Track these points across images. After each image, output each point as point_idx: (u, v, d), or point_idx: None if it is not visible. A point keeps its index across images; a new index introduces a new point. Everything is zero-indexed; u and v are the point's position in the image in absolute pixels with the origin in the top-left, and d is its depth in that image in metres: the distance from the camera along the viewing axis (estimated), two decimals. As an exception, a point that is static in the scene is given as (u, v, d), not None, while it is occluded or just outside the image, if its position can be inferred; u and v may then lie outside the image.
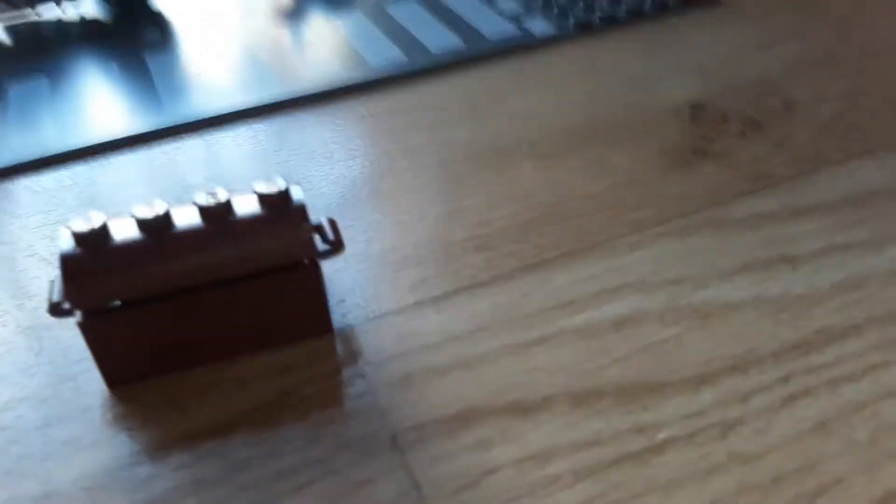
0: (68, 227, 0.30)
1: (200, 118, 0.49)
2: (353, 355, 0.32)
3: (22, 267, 0.38)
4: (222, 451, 0.29)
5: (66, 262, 0.29)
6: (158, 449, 0.29)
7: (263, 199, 0.31)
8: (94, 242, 0.29)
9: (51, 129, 0.49)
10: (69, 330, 0.35)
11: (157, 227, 0.30)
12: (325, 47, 0.57)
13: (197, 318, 0.31)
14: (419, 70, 0.54)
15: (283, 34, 0.59)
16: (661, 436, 0.29)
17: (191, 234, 0.30)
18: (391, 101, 0.51)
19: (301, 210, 0.31)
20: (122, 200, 0.43)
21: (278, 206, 0.31)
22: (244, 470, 0.28)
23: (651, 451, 0.28)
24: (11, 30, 0.63)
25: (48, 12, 0.64)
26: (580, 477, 0.27)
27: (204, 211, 0.30)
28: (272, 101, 0.51)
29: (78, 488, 0.28)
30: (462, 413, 0.30)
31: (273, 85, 0.52)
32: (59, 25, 0.63)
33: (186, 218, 0.31)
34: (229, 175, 0.44)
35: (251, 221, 0.30)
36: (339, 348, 0.33)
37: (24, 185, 0.44)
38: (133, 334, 0.31)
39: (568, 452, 0.28)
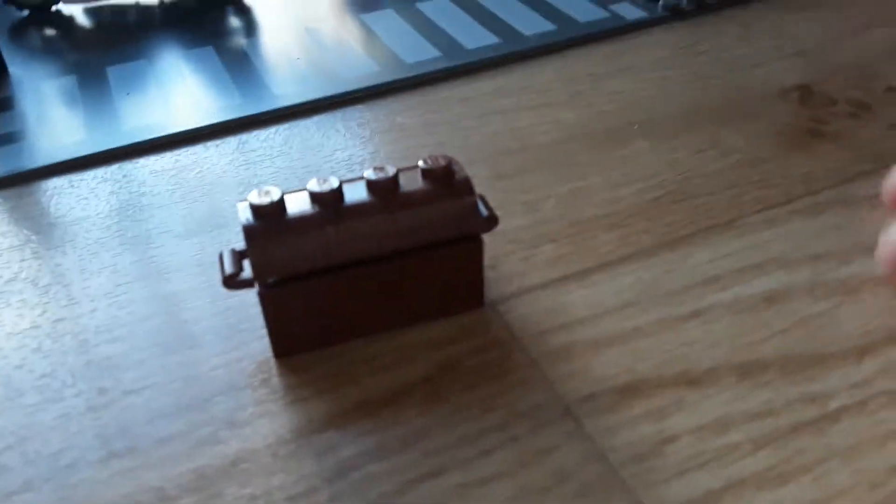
0: (247, 201, 0.30)
1: (308, 101, 0.50)
2: (508, 329, 0.33)
3: (159, 243, 0.39)
4: (398, 419, 0.29)
5: (250, 233, 0.29)
6: (336, 417, 0.30)
7: (427, 173, 0.31)
8: (273, 215, 0.30)
9: (157, 111, 0.50)
10: (224, 300, 0.35)
11: (330, 201, 0.30)
12: (413, 32, 0.57)
13: (364, 290, 0.32)
14: (517, 53, 0.54)
15: (372, 18, 0.59)
16: (833, 404, 0.29)
17: (363, 208, 0.30)
18: (493, 83, 0.51)
19: (467, 183, 0.31)
20: (243, 182, 0.43)
21: (443, 180, 0.31)
22: (425, 437, 0.29)
23: (826, 419, 0.28)
24: (93, 13, 0.63)
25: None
26: (759, 445, 0.28)
27: (372, 185, 0.31)
28: (371, 84, 0.51)
29: (268, 454, 0.28)
30: (630, 384, 0.30)
31: (368, 68, 0.53)
32: (140, 9, 0.64)
33: (356, 192, 0.31)
34: (344, 156, 0.45)
35: (420, 194, 0.31)
36: (493, 322, 0.33)
37: (143, 166, 0.45)
38: (304, 306, 0.31)
39: (743, 422, 0.29)
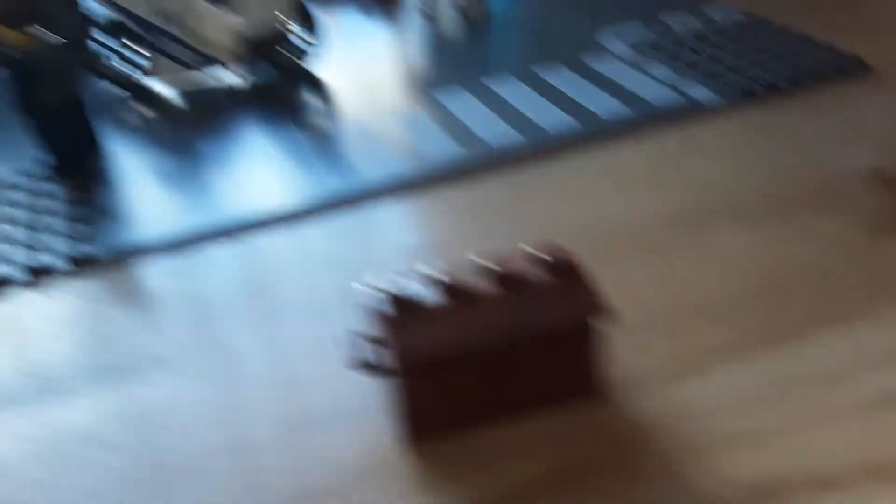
0: (377, 287, 0.32)
1: (401, 181, 0.51)
2: (630, 422, 0.34)
3: (278, 321, 0.40)
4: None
5: (391, 323, 0.31)
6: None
7: (548, 264, 0.33)
8: (409, 305, 0.31)
9: (253, 189, 0.51)
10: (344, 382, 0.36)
11: (461, 291, 0.32)
12: (489, 111, 0.59)
13: (489, 377, 0.33)
14: (595, 134, 0.56)
15: (448, 100, 0.62)
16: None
17: (490, 297, 0.32)
18: (569, 166, 0.53)
19: (586, 274, 0.33)
20: (344, 261, 0.44)
21: (562, 270, 0.33)
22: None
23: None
24: (186, 93, 0.66)
25: (217, 74, 0.67)
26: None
27: (497, 275, 0.32)
28: (458, 167, 0.53)
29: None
30: (765, 485, 0.31)
31: (449, 147, 0.55)
32: (230, 91, 0.66)
33: (482, 281, 0.33)
34: (442, 238, 0.46)
35: (542, 286, 0.32)
36: (612, 414, 0.34)
37: (247, 243, 0.46)
38: (436, 392, 0.32)
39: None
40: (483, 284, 0.32)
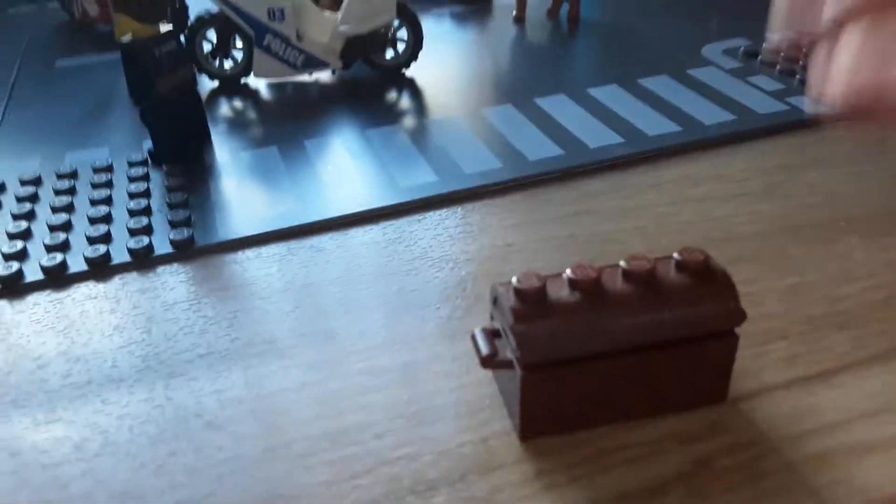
0: (510, 284, 0.31)
1: (503, 181, 0.51)
2: (756, 429, 0.32)
3: (380, 314, 0.40)
4: (661, 516, 0.29)
5: (518, 316, 0.30)
6: (597, 509, 0.29)
7: (684, 266, 0.32)
8: (536, 300, 0.31)
9: (357, 184, 0.52)
10: (458, 378, 0.36)
11: (590, 288, 0.31)
12: (590, 117, 0.59)
13: (615, 379, 0.32)
14: (701, 142, 0.55)
15: (546, 104, 0.61)
16: None
17: (624, 298, 0.31)
18: (680, 171, 0.52)
19: (728, 279, 0.31)
20: (449, 258, 0.44)
21: (702, 274, 0.31)
22: (695, 538, 0.28)
23: None
24: (278, 87, 0.67)
25: (317, 73, 0.68)
26: None
27: (631, 274, 0.31)
28: (560, 167, 0.52)
29: (539, 543, 0.28)
30: (900, 498, 0.29)
31: (553, 150, 0.54)
32: (320, 85, 0.68)
33: (613, 280, 0.32)
34: (543, 234, 0.45)
35: (680, 288, 0.31)
36: (739, 420, 0.33)
37: (352, 237, 0.47)
38: (558, 390, 0.31)
39: None
40: (618, 285, 0.31)
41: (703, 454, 0.31)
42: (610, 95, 0.62)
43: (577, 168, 0.53)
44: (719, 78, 0.63)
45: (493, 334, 0.33)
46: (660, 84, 0.63)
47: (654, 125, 0.57)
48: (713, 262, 0.32)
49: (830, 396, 0.34)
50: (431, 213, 0.49)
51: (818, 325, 0.38)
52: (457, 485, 0.31)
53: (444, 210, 0.49)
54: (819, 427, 0.32)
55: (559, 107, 0.61)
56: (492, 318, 0.34)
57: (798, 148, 0.54)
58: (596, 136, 0.56)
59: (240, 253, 0.46)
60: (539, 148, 0.55)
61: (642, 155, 0.54)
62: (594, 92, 0.62)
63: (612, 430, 0.32)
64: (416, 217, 0.49)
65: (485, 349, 0.32)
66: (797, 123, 0.56)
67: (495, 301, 0.33)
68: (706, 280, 0.31)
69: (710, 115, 0.58)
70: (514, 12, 0.80)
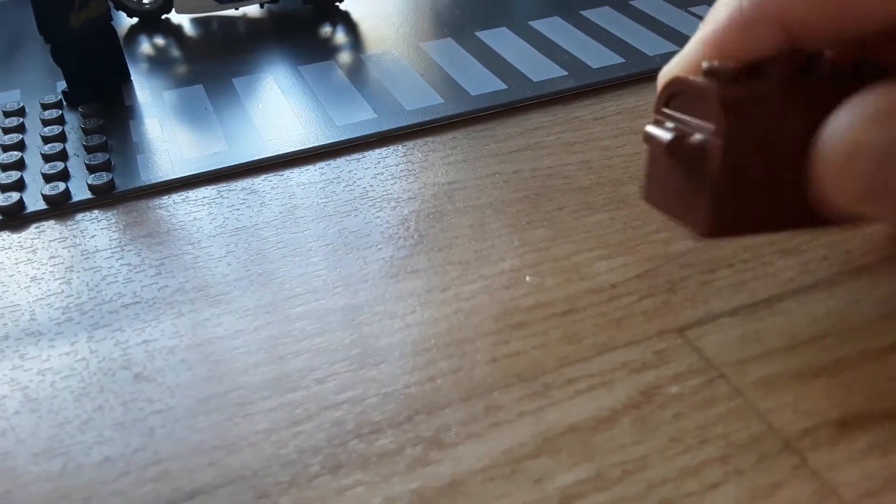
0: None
1: (443, 117, 0.49)
2: (703, 356, 0.32)
3: (320, 256, 0.39)
4: (614, 447, 0.28)
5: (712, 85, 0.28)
6: (547, 442, 0.29)
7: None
8: (736, 68, 0.28)
9: (291, 124, 0.49)
10: (402, 319, 0.34)
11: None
12: (534, 52, 0.57)
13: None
14: (640, 74, 0.53)
15: (486, 37, 0.59)
16: None
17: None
18: (624, 102, 0.50)
19: None
20: (390, 196, 0.43)
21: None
22: (646, 468, 0.28)
23: None
24: (202, 23, 0.63)
25: (243, 7, 0.65)
26: None
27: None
28: (503, 102, 0.50)
29: (484, 478, 0.27)
30: (846, 418, 0.29)
31: (494, 84, 0.52)
32: (248, 20, 0.64)
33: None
34: (489, 171, 0.44)
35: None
36: (685, 348, 0.32)
37: (288, 178, 0.45)
38: (769, 159, 0.28)
39: (976, 461, 0.28)
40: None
41: (652, 383, 0.31)
42: (552, 27, 0.60)
43: (519, 102, 0.51)
44: (661, 8, 0.62)
45: (681, 121, 0.29)
46: (602, 15, 0.61)
47: (598, 57, 0.55)
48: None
49: (775, 322, 0.33)
50: (371, 152, 0.47)
51: (761, 252, 0.37)
52: (403, 425, 0.30)
53: (385, 148, 0.47)
54: (764, 353, 0.32)
55: (501, 40, 0.59)
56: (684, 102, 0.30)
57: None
58: (539, 69, 0.54)
59: (165, 197, 0.43)
60: (481, 82, 0.53)
61: (586, 88, 0.52)
62: (536, 24, 0.60)
63: (559, 366, 0.32)
64: (356, 156, 0.47)
65: (667, 135, 0.29)
66: (739, 54, 0.56)
67: (668, 100, 0.30)
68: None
69: (653, 46, 0.57)
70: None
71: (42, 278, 0.37)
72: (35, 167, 0.45)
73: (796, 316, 0.34)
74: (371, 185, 0.44)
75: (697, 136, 0.29)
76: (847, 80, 0.28)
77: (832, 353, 0.32)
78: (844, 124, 0.26)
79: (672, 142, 0.29)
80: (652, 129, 0.30)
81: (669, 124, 0.30)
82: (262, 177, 0.45)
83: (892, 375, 0.31)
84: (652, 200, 0.32)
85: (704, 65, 0.29)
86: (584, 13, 0.62)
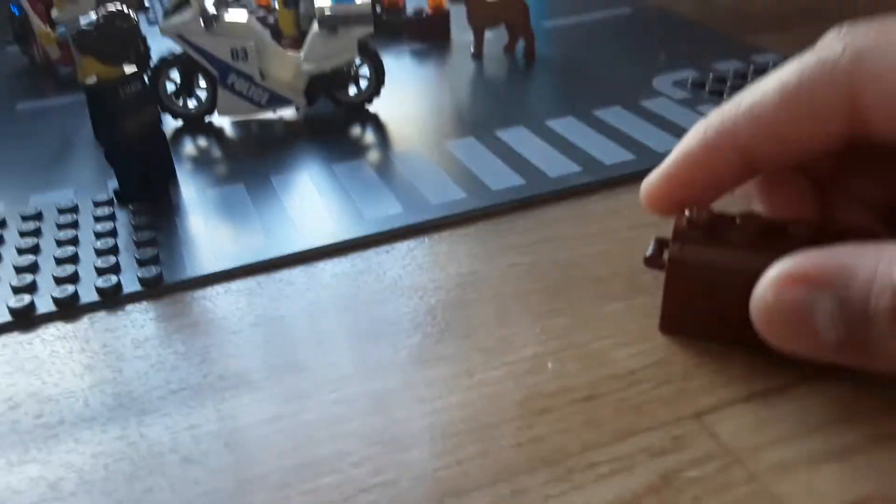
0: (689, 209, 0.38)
1: (467, 211, 0.52)
2: (719, 442, 0.34)
3: (348, 345, 0.41)
4: None
5: (681, 227, 0.37)
6: None
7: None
8: (714, 218, 0.37)
9: (326, 219, 0.53)
10: (430, 403, 0.36)
11: (771, 229, 0.36)
12: (551, 150, 0.61)
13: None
14: (651, 170, 0.56)
15: (506, 137, 0.63)
16: None
17: (799, 239, 0.35)
18: (637, 196, 0.53)
19: None
20: (418, 287, 0.45)
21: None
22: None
23: None
24: (242, 126, 0.68)
25: (280, 111, 0.70)
26: None
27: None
28: (522, 197, 0.54)
29: None
30: (857, 502, 0.30)
31: (514, 180, 0.56)
32: (285, 123, 0.69)
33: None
34: (524, 261, 0.47)
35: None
36: (702, 434, 0.34)
37: (322, 269, 0.48)
38: (700, 287, 0.37)
39: None
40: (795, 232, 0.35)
41: (671, 467, 0.32)
42: (567, 126, 0.64)
43: (537, 197, 0.54)
44: (670, 108, 0.66)
45: (662, 243, 0.40)
46: (614, 115, 0.65)
47: (611, 154, 0.59)
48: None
49: (788, 408, 0.35)
50: (399, 244, 0.50)
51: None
52: (433, 508, 0.31)
53: (411, 240, 0.50)
54: (779, 438, 0.34)
55: (519, 138, 0.63)
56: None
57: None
58: (555, 165, 0.58)
59: (209, 289, 0.46)
60: (501, 178, 0.56)
61: (600, 183, 0.56)
62: (552, 123, 0.65)
63: (583, 450, 0.34)
64: (384, 248, 0.50)
65: (648, 250, 0.40)
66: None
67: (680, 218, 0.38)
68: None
69: (663, 143, 0.60)
70: (472, 49, 0.82)
71: (95, 366, 0.40)
72: (88, 261, 0.48)
73: (807, 402, 0.35)
74: (399, 276, 0.46)
75: (666, 256, 0.38)
76: (800, 242, 0.34)
77: (842, 439, 0.33)
78: (763, 283, 0.33)
79: (648, 256, 0.40)
80: (651, 241, 0.41)
81: (657, 249, 0.40)
82: (298, 269, 0.48)
83: (902, 460, 0.32)
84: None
85: (686, 212, 0.37)
86: (597, 113, 0.66)
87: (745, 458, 0.33)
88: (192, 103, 0.68)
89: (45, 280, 0.46)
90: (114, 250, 0.49)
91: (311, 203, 0.55)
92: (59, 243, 0.50)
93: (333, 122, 0.68)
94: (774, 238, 0.35)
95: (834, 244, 0.32)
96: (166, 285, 0.46)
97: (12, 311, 0.43)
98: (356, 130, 0.67)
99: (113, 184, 0.56)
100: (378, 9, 0.88)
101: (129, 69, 0.54)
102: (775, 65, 0.70)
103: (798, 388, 0.36)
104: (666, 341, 0.39)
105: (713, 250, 0.36)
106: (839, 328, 0.30)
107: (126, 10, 0.53)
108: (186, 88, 0.67)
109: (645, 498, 0.31)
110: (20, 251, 0.49)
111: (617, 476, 0.32)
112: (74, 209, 0.54)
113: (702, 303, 0.37)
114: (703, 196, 0.39)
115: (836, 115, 0.34)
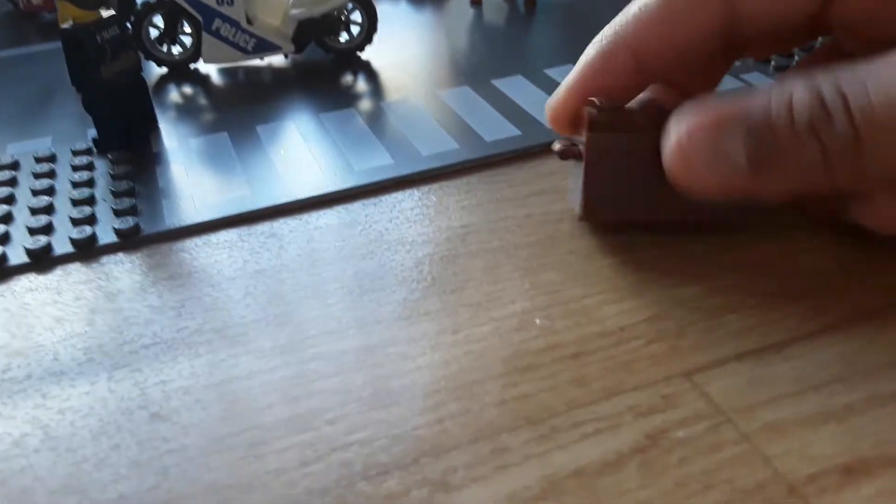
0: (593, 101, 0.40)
1: (457, 162, 0.50)
2: (711, 401, 0.32)
3: (335, 299, 0.39)
4: (619, 491, 0.29)
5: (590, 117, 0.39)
6: (551, 484, 0.29)
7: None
8: (613, 106, 0.40)
9: (313, 170, 0.51)
10: (414, 360, 0.35)
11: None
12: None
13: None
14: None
15: (504, 86, 0.61)
16: None
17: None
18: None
19: None
20: (404, 240, 0.44)
21: None
22: (650, 512, 0.28)
23: None
24: (229, 73, 0.66)
25: (268, 57, 0.67)
26: None
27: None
28: (514, 148, 0.52)
29: None
30: (853, 464, 0.29)
31: (508, 131, 0.54)
32: (273, 70, 0.66)
33: None
34: (500, 216, 0.45)
35: None
36: (693, 393, 0.33)
37: (306, 222, 0.46)
38: (625, 164, 0.39)
39: None
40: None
41: (659, 427, 0.31)
42: (566, 75, 0.61)
43: (533, 148, 0.52)
44: (675, 57, 0.63)
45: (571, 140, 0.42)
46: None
47: (611, 104, 0.57)
48: None
49: (784, 367, 0.33)
50: (387, 196, 0.48)
51: (768, 298, 0.37)
52: (410, 468, 0.30)
53: (400, 192, 0.48)
54: (771, 398, 0.32)
55: (516, 88, 0.60)
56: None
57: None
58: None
59: (188, 241, 0.45)
60: (496, 129, 0.54)
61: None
62: (551, 72, 0.62)
63: (568, 409, 0.32)
64: (372, 200, 0.48)
65: (558, 145, 0.41)
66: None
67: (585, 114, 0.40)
68: None
69: (666, 93, 0.58)
70: (471, -5, 0.79)
71: (66, 319, 0.39)
72: (64, 212, 0.47)
73: (804, 361, 0.34)
74: (387, 229, 0.45)
75: (581, 146, 0.40)
76: None
77: (840, 399, 0.32)
78: (675, 132, 0.36)
79: (561, 150, 0.41)
80: (555, 145, 0.42)
81: (567, 142, 0.42)
82: (282, 221, 0.46)
83: (901, 422, 0.31)
84: (572, 205, 0.44)
85: (595, 101, 0.40)
86: (598, 61, 0.63)
87: (736, 419, 0.31)
88: (176, 50, 0.66)
89: (18, 231, 0.45)
90: (90, 201, 0.47)
91: (297, 153, 0.53)
92: (35, 193, 0.48)
93: (323, 70, 0.66)
94: None
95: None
96: (144, 237, 0.44)
97: (-16, 262, 0.42)
98: (347, 79, 0.64)
99: (92, 133, 0.54)
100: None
101: (107, 13, 0.52)
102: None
103: (795, 346, 0.35)
104: (658, 297, 0.38)
105: (625, 134, 0.39)
106: (750, 149, 0.34)
107: (102, -49, 0.50)
108: (170, 34, 0.65)
109: (630, 458, 0.30)
110: (-6, 201, 0.48)
111: (602, 435, 0.31)
112: (52, 158, 0.52)
113: (619, 185, 0.40)
114: None
115: (709, 2, 0.38)
